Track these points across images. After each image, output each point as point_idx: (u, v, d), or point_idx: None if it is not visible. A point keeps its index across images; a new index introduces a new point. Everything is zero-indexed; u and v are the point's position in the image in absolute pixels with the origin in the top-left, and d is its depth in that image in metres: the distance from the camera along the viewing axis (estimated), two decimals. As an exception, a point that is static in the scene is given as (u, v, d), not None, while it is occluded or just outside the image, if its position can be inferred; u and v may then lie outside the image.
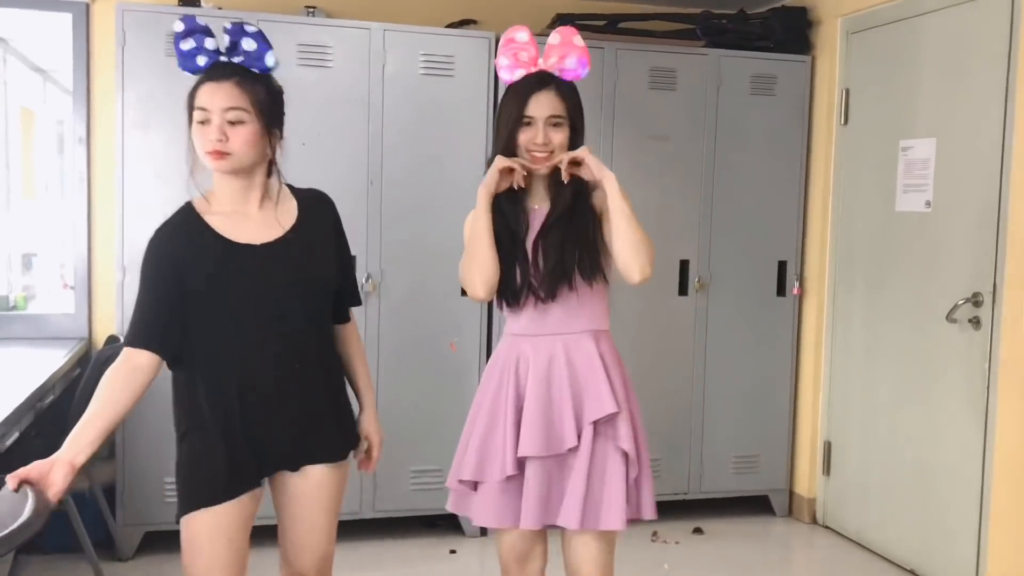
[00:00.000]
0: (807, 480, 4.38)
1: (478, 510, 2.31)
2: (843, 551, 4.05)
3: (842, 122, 4.15)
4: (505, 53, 2.29)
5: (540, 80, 2.25)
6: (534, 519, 2.22)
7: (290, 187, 2.18)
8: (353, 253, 3.75)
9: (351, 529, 3.79)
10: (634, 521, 2.29)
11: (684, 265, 4.20)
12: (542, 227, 2.27)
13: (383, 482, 3.86)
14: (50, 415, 3.28)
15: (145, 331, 2.00)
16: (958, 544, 3.49)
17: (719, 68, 4.18)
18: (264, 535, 2.45)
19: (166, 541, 3.74)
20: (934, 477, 3.62)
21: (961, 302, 3.42)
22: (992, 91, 3.33)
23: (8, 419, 2.64)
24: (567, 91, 2.27)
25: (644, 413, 2.37)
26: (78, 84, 3.96)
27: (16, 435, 2.87)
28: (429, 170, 3.86)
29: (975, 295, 3.39)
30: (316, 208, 2.18)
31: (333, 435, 2.19)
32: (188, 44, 2.02)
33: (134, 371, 1.98)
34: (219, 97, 1.98)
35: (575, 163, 2.21)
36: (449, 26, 4.10)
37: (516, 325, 2.33)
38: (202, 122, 1.99)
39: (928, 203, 3.64)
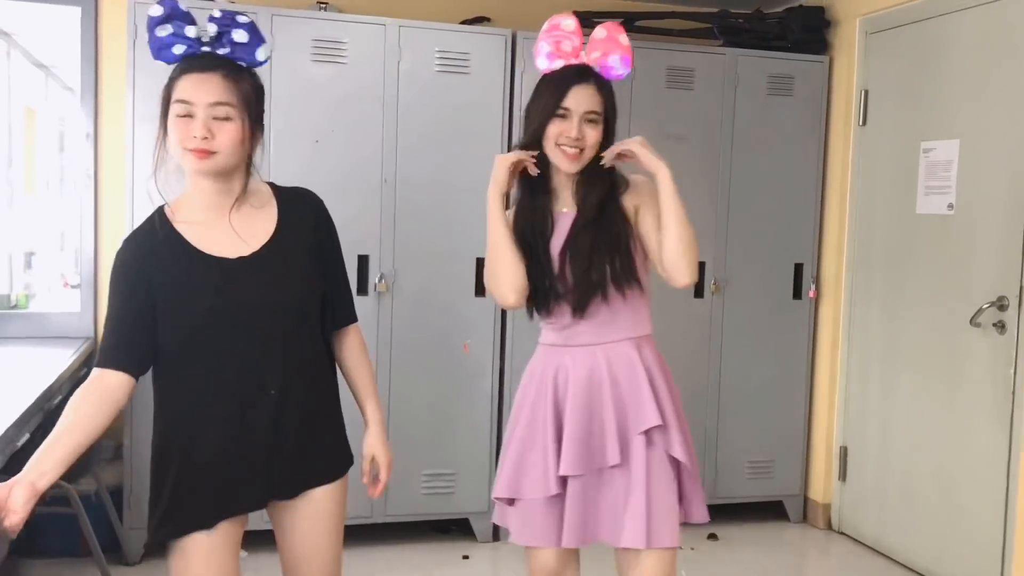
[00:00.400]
0: (822, 485, 4.33)
1: (517, 528, 2.21)
2: (860, 557, 4.00)
3: (860, 123, 4.10)
4: (547, 39, 2.17)
5: (580, 73, 2.14)
6: (577, 538, 2.13)
7: (272, 186, 2.01)
8: (365, 252, 3.77)
9: (361, 534, 3.73)
10: (684, 524, 2.20)
11: (700, 267, 4.14)
12: (570, 233, 2.16)
13: (394, 486, 3.77)
14: (56, 416, 3.19)
15: (115, 350, 1.85)
16: (982, 552, 3.43)
17: (736, 68, 4.13)
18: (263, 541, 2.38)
19: (174, 545, 3.68)
20: (957, 483, 3.57)
21: (986, 306, 3.37)
22: (1020, 93, 3.29)
23: (18, 421, 2.57)
24: (607, 89, 2.16)
25: None
26: (86, 79, 3.89)
27: (27, 436, 2.79)
28: (444, 169, 3.80)
29: (1000, 299, 3.34)
30: (299, 212, 1.99)
31: (326, 455, 2.02)
32: (165, 30, 1.85)
33: (105, 392, 1.83)
34: (205, 90, 1.80)
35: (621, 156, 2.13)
36: (463, 23, 4.04)
37: (552, 335, 2.23)
38: (183, 116, 1.81)
39: (951, 205, 3.59)
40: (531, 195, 2.20)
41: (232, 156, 1.85)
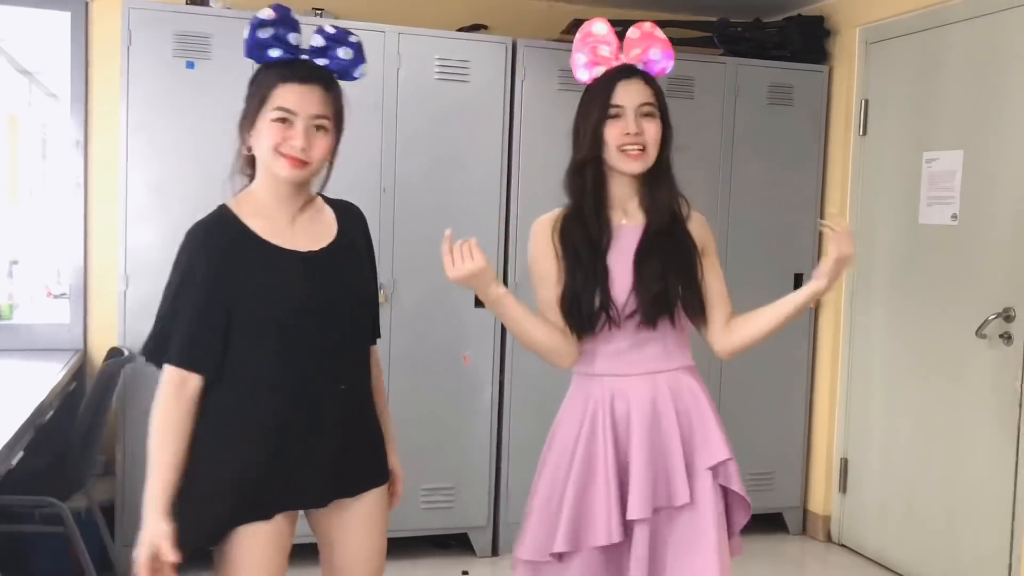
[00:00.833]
0: (822, 497, 4.30)
1: None
2: (860, 570, 3.97)
3: (861, 133, 4.09)
4: (582, 49, 2.04)
5: (624, 70, 2.01)
6: None
7: (322, 196, 2.02)
8: (364, 264, 3.70)
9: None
10: None
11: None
12: (641, 244, 2.01)
13: (393, 501, 3.72)
14: (45, 432, 3.10)
15: (195, 349, 1.81)
16: (987, 565, 3.41)
17: (736, 77, 4.10)
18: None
19: (167, 563, 3.59)
20: (961, 496, 3.55)
21: (992, 317, 3.36)
22: (1024, 102, 3.28)
23: (11, 440, 2.48)
24: (654, 83, 2.04)
25: None
26: (75, 86, 3.80)
27: (20, 454, 2.70)
28: (443, 177, 3.74)
29: (1006, 310, 3.33)
30: (351, 220, 2.04)
31: (379, 458, 2.05)
32: (267, 32, 1.85)
33: (191, 403, 1.81)
34: (308, 102, 1.83)
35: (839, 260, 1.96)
36: (460, 30, 3.99)
37: (603, 362, 2.03)
38: (282, 121, 1.82)
39: (954, 216, 3.58)
40: (594, 204, 2.02)
41: (320, 166, 1.90)
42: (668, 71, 2.07)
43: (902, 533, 3.85)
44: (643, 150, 1.98)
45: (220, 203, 1.93)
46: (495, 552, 3.89)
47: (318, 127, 1.84)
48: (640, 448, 1.95)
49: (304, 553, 2.35)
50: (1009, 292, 3.34)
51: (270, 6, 1.87)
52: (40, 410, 2.87)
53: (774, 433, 4.28)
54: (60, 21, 3.79)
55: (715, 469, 2.00)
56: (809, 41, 4.22)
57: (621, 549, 1.97)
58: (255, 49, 1.86)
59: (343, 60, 1.89)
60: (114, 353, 3.48)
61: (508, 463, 3.88)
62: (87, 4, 3.75)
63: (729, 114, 4.10)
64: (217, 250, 1.83)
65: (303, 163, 1.84)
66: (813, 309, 4.28)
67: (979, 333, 3.40)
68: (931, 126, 3.72)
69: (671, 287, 2.00)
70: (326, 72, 1.88)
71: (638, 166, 2.00)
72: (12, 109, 5.15)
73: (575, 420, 2.04)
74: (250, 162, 1.93)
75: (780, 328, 2.04)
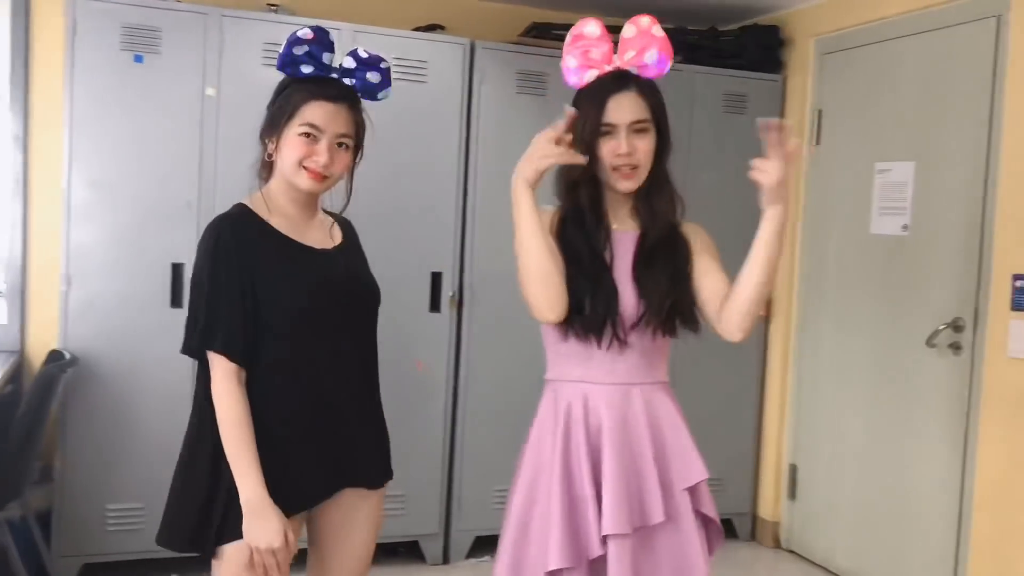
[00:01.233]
0: (771, 504, 4.32)
1: None
2: (809, 576, 4.01)
3: (814, 143, 4.12)
4: (572, 53, 1.95)
5: (617, 80, 1.92)
6: None
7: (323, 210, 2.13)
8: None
9: (301, 560, 3.57)
10: None
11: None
12: (638, 253, 1.96)
13: (342, 508, 3.65)
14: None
15: (238, 341, 1.85)
16: (934, 571, 3.45)
17: (693, 85, 4.11)
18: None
19: (106, 574, 3.47)
20: (909, 503, 3.59)
21: (942, 327, 3.40)
22: (976, 116, 3.33)
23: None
24: (648, 91, 1.94)
25: None
26: (16, 77, 3.66)
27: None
28: (398, 179, 3.68)
29: (955, 320, 3.38)
30: (350, 232, 2.16)
31: (386, 456, 2.15)
32: (302, 49, 1.91)
33: (243, 391, 1.86)
34: (336, 121, 1.91)
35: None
36: (416, 30, 3.93)
37: (576, 368, 1.96)
38: (307, 136, 1.90)
39: (905, 227, 3.62)
40: (590, 206, 1.96)
41: (337, 180, 1.98)
42: (665, 73, 1.98)
43: (850, 539, 3.89)
44: (635, 168, 1.94)
45: (217, 204, 2.00)
46: (446, 560, 3.85)
47: (340, 144, 1.93)
48: (613, 463, 1.89)
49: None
50: (958, 303, 3.38)
51: (309, 27, 1.94)
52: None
53: (724, 439, 4.28)
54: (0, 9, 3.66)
55: (692, 491, 1.95)
56: (764, 50, 4.25)
57: (593, 571, 1.90)
58: (287, 65, 1.93)
59: (370, 83, 1.98)
60: (54, 356, 3.36)
61: (462, 470, 3.83)
62: (29, -7, 3.63)
63: (686, 122, 4.10)
64: (245, 242, 1.89)
65: (324, 177, 1.93)
66: (764, 316, 4.30)
67: (929, 343, 3.44)
68: (883, 137, 3.76)
69: (669, 295, 1.94)
70: (353, 92, 1.97)
71: (631, 185, 1.95)
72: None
73: (549, 430, 1.97)
74: (267, 165, 1.99)
75: (770, 271, 1.92)
